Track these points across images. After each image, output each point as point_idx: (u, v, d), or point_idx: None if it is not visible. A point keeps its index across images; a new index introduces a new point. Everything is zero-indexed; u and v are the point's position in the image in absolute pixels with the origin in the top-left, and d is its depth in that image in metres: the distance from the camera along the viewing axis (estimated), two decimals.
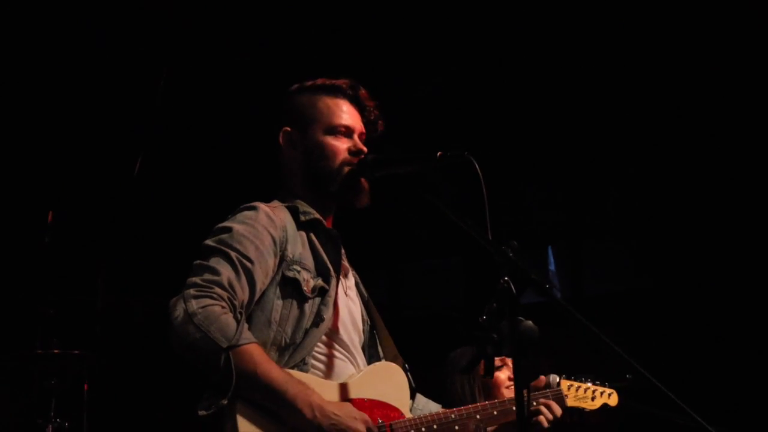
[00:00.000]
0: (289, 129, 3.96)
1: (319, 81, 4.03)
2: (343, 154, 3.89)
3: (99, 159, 8.65)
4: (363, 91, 4.05)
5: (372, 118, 4.05)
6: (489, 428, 4.06)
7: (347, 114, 3.97)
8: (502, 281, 3.20)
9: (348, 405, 3.53)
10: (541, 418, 4.23)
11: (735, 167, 9.12)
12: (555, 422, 4.30)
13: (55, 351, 6.59)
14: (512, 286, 3.19)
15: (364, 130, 4.01)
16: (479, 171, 3.48)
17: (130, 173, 8.10)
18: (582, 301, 10.43)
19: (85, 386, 7.03)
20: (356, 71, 8.22)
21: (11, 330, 7.78)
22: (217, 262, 3.52)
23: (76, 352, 6.63)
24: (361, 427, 3.46)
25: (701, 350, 9.25)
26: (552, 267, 11.04)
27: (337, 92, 4.00)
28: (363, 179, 3.88)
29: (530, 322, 3.16)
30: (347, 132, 3.94)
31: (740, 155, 9.01)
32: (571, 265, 10.70)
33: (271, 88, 5.15)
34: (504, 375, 5.61)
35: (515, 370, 3.15)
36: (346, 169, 3.87)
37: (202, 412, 3.37)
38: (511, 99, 9.18)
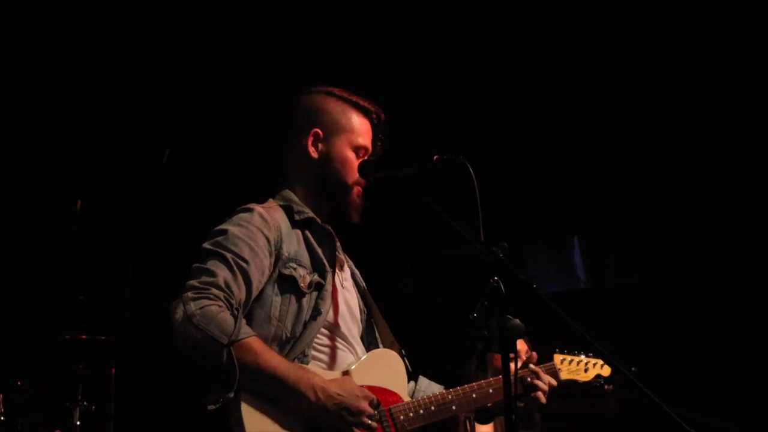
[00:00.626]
0: (319, 131, 4.10)
1: (354, 97, 4.19)
2: (356, 174, 4.07)
3: (130, 150, 8.85)
4: (384, 120, 4.21)
5: (379, 144, 4.20)
6: (488, 404, 4.18)
7: (367, 137, 4.14)
8: (492, 281, 3.34)
9: (346, 380, 3.71)
10: (539, 393, 4.32)
11: (756, 159, 9.19)
12: (552, 393, 4.41)
13: (83, 337, 6.78)
14: (502, 286, 3.34)
15: (371, 152, 4.17)
16: (473, 174, 3.61)
17: (159, 163, 8.27)
18: (603, 292, 10.52)
19: (113, 371, 7.23)
20: (378, 68, 8.41)
21: (41, 316, 7.98)
22: (213, 264, 3.68)
23: (103, 337, 6.83)
24: (364, 404, 3.63)
25: (721, 341, 9.32)
26: (577, 257, 11.13)
27: (369, 114, 4.17)
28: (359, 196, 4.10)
29: (517, 320, 3.30)
30: (364, 153, 4.12)
31: (762, 147, 9.08)
32: (592, 256, 10.79)
33: (281, 85, 5.31)
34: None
35: (503, 365, 3.30)
36: (356, 188, 4.07)
37: (210, 407, 3.55)
38: (536, 92, 9.31)
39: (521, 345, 6.05)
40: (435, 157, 3.75)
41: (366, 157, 4.12)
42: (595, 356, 4.68)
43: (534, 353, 4.56)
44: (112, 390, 7.14)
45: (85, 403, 6.79)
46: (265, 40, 8.23)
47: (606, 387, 4.75)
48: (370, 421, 3.63)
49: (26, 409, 6.97)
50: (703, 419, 6.64)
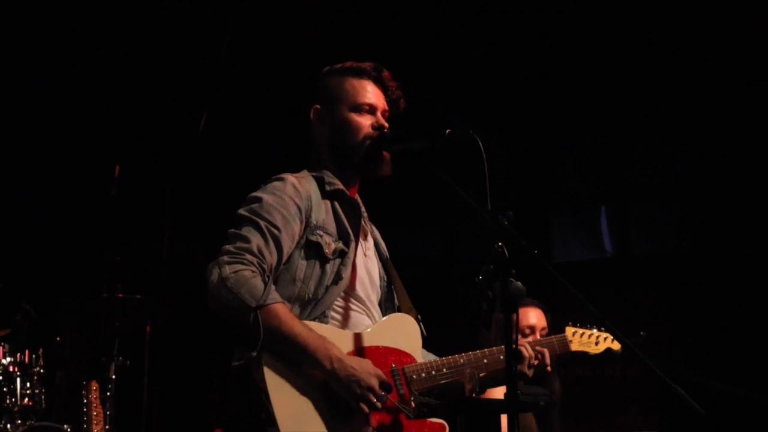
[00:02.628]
0: (318, 107, 4.33)
1: (347, 64, 4.38)
2: (366, 130, 4.24)
3: (168, 115, 9.09)
4: (386, 73, 4.37)
5: (394, 97, 4.38)
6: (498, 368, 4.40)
7: (371, 93, 4.31)
8: (497, 246, 3.60)
9: (365, 361, 3.93)
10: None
11: None
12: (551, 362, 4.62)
13: (120, 295, 7.10)
14: (506, 251, 3.60)
15: (387, 108, 4.35)
16: (482, 148, 3.83)
17: (196, 127, 8.49)
18: (629, 262, 10.68)
19: (148, 328, 7.53)
20: (411, 41, 8.56)
21: (80, 275, 8.28)
22: (248, 231, 3.94)
23: (139, 296, 7.14)
24: (374, 381, 3.85)
25: (745, 311, 9.45)
26: (604, 226, 11.28)
27: (362, 74, 4.34)
28: (384, 152, 4.24)
29: (519, 283, 3.55)
30: (371, 109, 4.28)
31: None
32: (619, 226, 10.93)
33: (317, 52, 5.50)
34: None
35: (506, 325, 3.55)
36: (368, 142, 4.24)
37: (235, 363, 3.85)
38: (564, 63, 9.44)
39: (539, 319, 6.27)
40: (447, 131, 3.99)
41: (372, 111, 4.30)
42: (607, 330, 4.90)
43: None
44: (146, 346, 7.44)
45: (120, 358, 7.11)
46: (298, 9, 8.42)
47: (617, 353, 4.96)
48: (375, 400, 3.85)
49: (65, 363, 7.28)
50: (722, 386, 6.83)
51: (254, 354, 3.78)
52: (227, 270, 3.79)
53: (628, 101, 9.84)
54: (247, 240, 3.92)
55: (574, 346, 4.79)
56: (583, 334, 4.84)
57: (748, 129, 9.42)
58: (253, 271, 3.83)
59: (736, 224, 9.72)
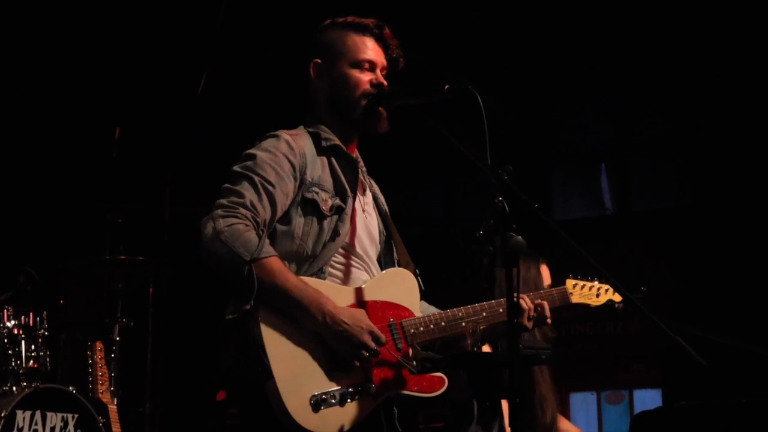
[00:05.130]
0: (319, 61, 4.33)
1: (349, 19, 4.37)
2: (364, 86, 4.25)
3: (167, 77, 9.10)
4: (387, 31, 4.37)
5: (394, 55, 4.37)
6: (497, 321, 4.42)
7: (371, 50, 4.31)
8: (497, 201, 3.63)
9: (359, 312, 3.97)
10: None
11: None
12: (551, 314, 4.61)
13: (122, 257, 7.16)
14: (506, 206, 3.62)
15: (386, 66, 4.36)
16: (480, 102, 3.85)
17: (196, 89, 8.50)
18: (629, 218, 10.73)
19: (150, 289, 7.57)
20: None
21: (83, 238, 8.31)
22: (242, 186, 3.96)
23: (141, 258, 7.18)
24: (366, 337, 3.88)
25: (743, 265, 9.51)
26: (604, 183, 11.33)
27: (364, 30, 4.34)
28: (381, 108, 4.25)
29: (519, 237, 3.57)
30: (370, 66, 4.29)
31: None
32: (619, 182, 10.97)
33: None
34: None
35: (507, 278, 3.57)
36: (366, 99, 4.24)
37: (228, 316, 3.87)
38: (566, 22, 9.44)
39: (545, 275, 6.21)
40: (446, 87, 4.00)
41: (372, 68, 4.30)
42: (608, 284, 4.89)
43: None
44: (150, 307, 7.49)
45: (124, 319, 7.19)
46: None
47: (617, 305, 4.96)
48: (366, 355, 3.88)
49: (69, 325, 7.33)
50: (723, 339, 6.87)
51: (248, 307, 3.80)
52: (221, 224, 3.82)
53: (626, 57, 9.85)
54: (240, 195, 3.94)
55: (575, 299, 4.78)
56: (583, 286, 4.83)
57: (746, 83, 9.44)
58: (247, 225, 3.86)
59: (734, 178, 9.76)
